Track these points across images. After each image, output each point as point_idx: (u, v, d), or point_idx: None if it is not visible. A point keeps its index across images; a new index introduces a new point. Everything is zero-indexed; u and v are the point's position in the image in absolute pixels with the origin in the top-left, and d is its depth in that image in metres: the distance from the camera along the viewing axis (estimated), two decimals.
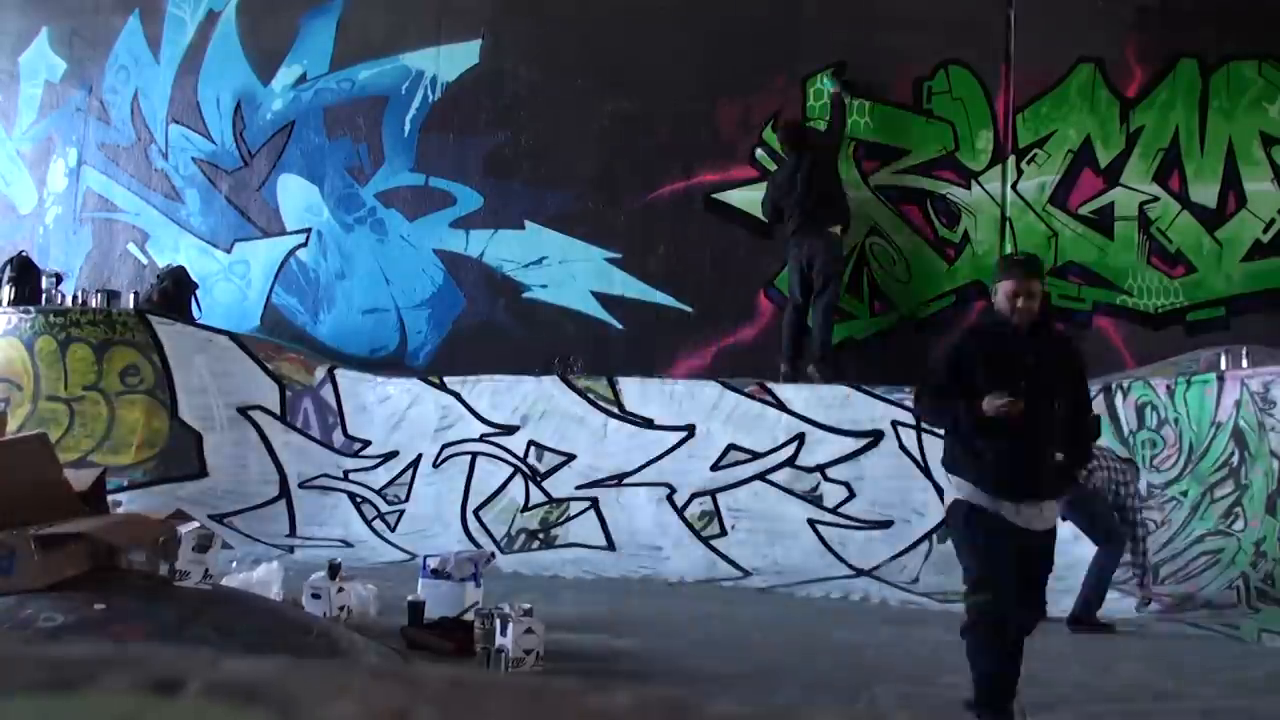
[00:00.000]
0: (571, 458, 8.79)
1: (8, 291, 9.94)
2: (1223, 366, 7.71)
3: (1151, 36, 8.69)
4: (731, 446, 8.52)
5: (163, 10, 11.16)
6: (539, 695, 0.63)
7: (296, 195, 10.56)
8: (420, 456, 9.11)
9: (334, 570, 6.08)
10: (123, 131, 11.23)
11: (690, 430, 8.64)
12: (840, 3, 9.37)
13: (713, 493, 8.42)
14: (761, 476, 8.40)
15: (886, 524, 8.03)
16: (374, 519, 8.95)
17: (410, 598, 5.81)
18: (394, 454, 9.20)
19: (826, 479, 8.28)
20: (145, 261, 10.96)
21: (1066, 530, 7.44)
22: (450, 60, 10.18)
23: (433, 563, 6.16)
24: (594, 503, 8.60)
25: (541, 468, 8.83)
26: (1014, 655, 4.33)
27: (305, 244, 10.48)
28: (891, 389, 8.38)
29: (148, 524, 5.03)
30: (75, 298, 10.03)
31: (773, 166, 9.22)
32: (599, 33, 9.79)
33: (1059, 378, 4.44)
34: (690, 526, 8.34)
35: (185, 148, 10.94)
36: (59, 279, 10.31)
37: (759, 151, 9.38)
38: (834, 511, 8.19)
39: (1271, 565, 6.80)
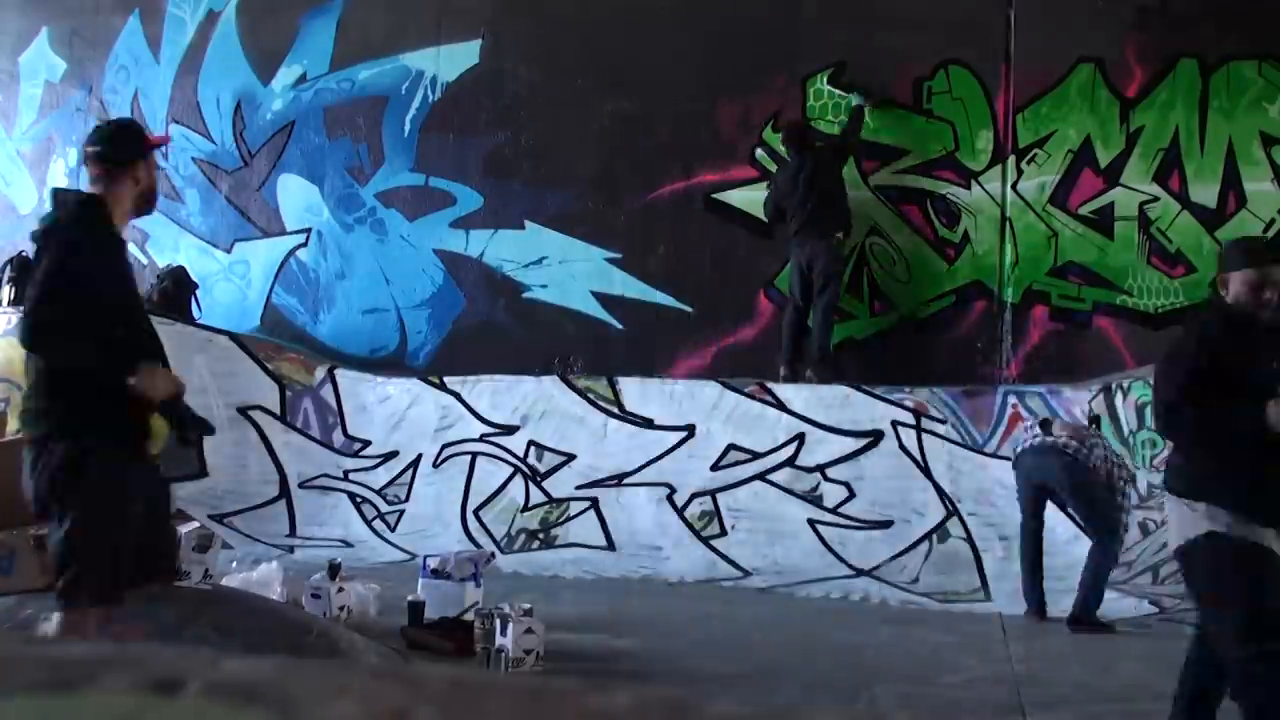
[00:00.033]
0: (571, 458, 8.79)
1: (8, 291, 9.94)
2: None
3: (1151, 36, 8.69)
4: (731, 446, 8.52)
5: (163, 10, 11.16)
6: (539, 695, 0.63)
7: (296, 195, 10.56)
8: (420, 456, 9.11)
9: (334, 570, 6.08)
10: None
11: (690, 430, 8.64)
12: (840, 3, 9.37)
13: (713, 493, 8.42)
14: (761, 476, 8.40)
15: (886, 524, 8.03)
16: (374, 519, 8.95)
17: (410, 598, 5.81)
18: (394, 454, 9.20)
19: (826, 479, 8.28)
20: (145, 261, 10.95)
21: (1066, 530, 7.45)
22: (450, 60, 10.18)
23: (433, 563, 6.16)
24: (594, 503, 8.60)
25: (541, 468, 8.83)
26: None
27: (305, 244, 10.48)
28: (891, 389, 8.39)
29: None
30: None
31: (773, 166, 9.22)
32: (599, 33, 9.79)
33: None
34: (690, 526, 8.34)
35: (185, 148, 10.94)
36: None
37: (759, 151, 9.38)
38: (834, 511, 8.19)
39: None
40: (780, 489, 8.33)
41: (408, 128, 10.26)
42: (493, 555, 7.43)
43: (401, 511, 8.94)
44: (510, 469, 8.88)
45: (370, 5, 10.47)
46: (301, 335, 10.31)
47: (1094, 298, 8.71)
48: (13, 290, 9.95)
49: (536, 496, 8.74)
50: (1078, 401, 8.13)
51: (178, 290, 9.95)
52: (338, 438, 9.40)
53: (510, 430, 8.98)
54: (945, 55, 9.00)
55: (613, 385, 8.94)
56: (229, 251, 10.71)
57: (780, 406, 8.53)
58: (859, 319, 9.09)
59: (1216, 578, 3.79)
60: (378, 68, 10.38)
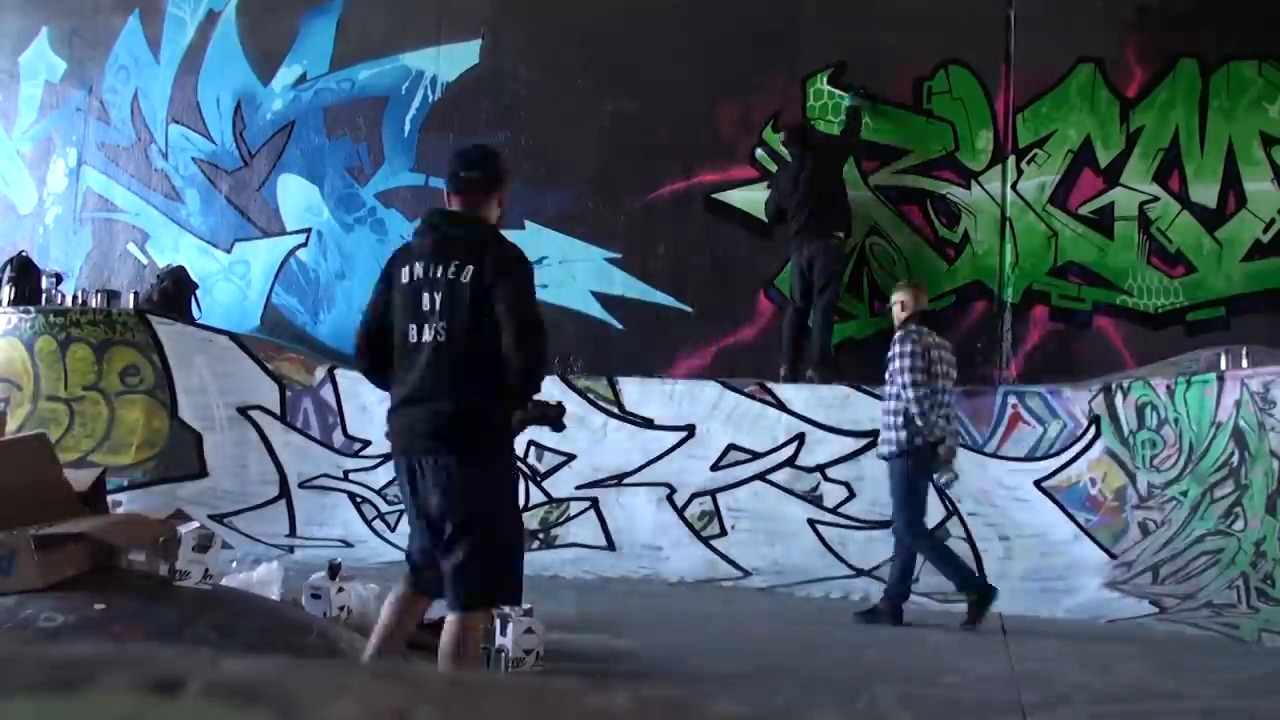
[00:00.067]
0: (571, 458, 8.79)
1: (8, 291, 9.94)
2: (1223, 366, 7.71)
3: (1151, 36, 8.69)
4: (731, 446, 8.53)
5: (163, 10, 11.16)
6: (539, 695, 0.63)
7: (296, 195, 10.56)
8: None
9: (334, 570, 6.07)
10: (123, 131, 11.23)
11: (690, 430, 8.64)
12: (840, 3, 9.37)
13: (713, 493, 8.42)
14: (761, 476, 8.40)
15: (886, 524, 8.01)
16: (374, 519, 8.95)
17: None
18: None
19: (826, 479, 8.29)
20: (145, 261, 10.96)
21: (1066, 530, 7.46)
22: (450, 60, 10.18)
23: None
24: (594, 503, 8.61)
25: (541, 468, 8.83)
26: None
27: (305, 244, 10.48)
28: None
29: (148, 524, 5.03)
30: (75, 298, 10.02)
31: (773, 167, 9.22)
32: (599, 33, 9.80)
33: None
34: (690, 526, 8.34)
35: (185, 148, 10.94)
36: (59, 279, 10.30)
37: (759, 151, 9.38)
38: (834, 511, 8.19)
39: (1271, 565, 6.79)
40: (780, 489, 8.34)
41: (408, 128, 10.26)
42: None
43: (401, 511, 8.93)
44: None
45: (370, 5, 10.48)
46: (301, 335, 10.31)
47: (1094, 298, 8.71)
48: (12, 290, 9.95)
49: (536, 496, 8.74)
50: (1078, 401, 8.13)
51: (178, 290, 9.95)
52: (338, 438, 9.40)
53: None
54: (945, 55, 9.00)
55: (613, 385, 8.93)
56: (229, 251, 10.71)
57: (780, 406, 8.53)
58: (859, 319, 9.09)
59: None
60: (378, 68, 10.38)
